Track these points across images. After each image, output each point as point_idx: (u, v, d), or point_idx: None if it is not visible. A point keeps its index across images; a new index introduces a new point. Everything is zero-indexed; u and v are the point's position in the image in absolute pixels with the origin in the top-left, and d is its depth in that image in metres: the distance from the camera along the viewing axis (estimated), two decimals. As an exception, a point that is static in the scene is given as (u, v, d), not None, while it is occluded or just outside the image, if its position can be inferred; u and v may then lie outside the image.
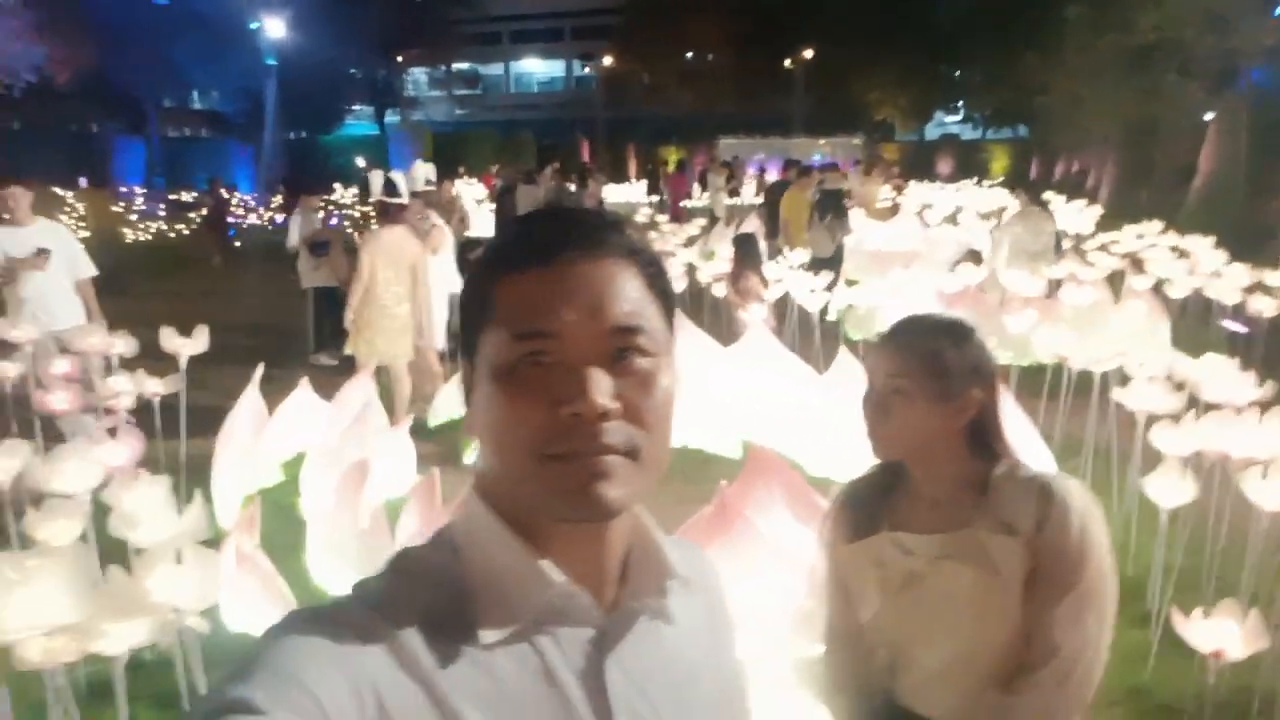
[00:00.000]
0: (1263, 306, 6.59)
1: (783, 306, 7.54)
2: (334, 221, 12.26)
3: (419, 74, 41.22)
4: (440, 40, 34.60)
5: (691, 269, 8.50)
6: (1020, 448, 1.47)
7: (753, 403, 5.53)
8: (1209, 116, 16.10)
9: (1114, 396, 4.06)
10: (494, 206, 13.05)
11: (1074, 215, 12.81)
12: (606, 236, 0.68)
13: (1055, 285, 7.06)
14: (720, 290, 7.81)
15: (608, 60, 39.04)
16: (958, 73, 35.44)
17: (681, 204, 19.05)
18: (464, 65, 43.63)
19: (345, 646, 0.60)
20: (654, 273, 0.70)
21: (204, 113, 34.17)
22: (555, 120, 39.58)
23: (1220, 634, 2.17)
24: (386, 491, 4.28)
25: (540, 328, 0.64)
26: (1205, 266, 7.93)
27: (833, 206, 9.12)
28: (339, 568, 3.84)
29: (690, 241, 10.10)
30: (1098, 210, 13.13)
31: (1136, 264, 8.28)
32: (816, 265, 8.58)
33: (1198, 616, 2.21)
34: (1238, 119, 12.96)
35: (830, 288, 7.51)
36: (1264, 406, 3.35)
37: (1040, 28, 22.31)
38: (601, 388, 0.63)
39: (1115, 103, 18.20)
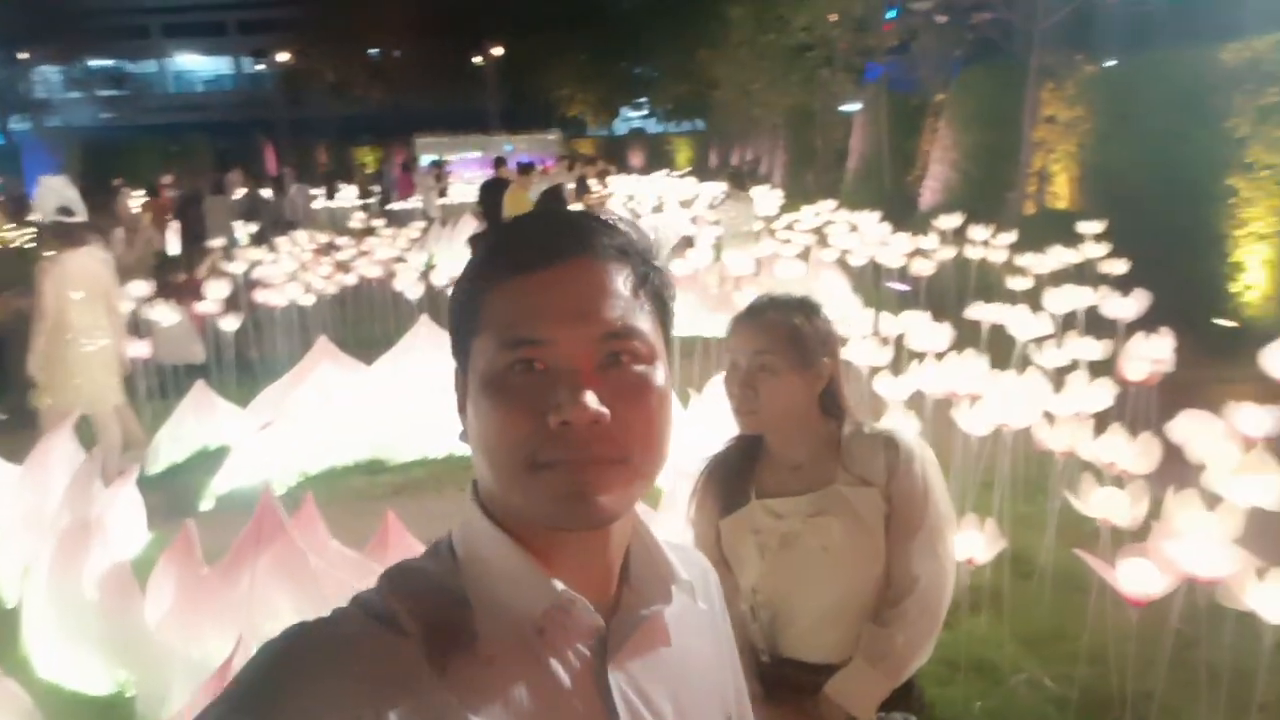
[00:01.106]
0: (921, 268, 7.82)
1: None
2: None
3: (50, 73, 35.30)
4: (73, 34, 29.96)
5: (428, 272, 8.28)
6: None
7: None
8: (849, 107, 18.62)
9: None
10: (178, 222, 11.64)
11: (763, 199, 14.22)
12: (597, 238, 0.67)
13: (759, 264, 7.81)
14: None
15: (284, 56, 36.23)
16: (638, 70, 37.59)
17: (388, 206, 18.34)
18: (108, 62, 38.10)
19: (344, 662, 0.59)
20: (648, 274, 0.68)
21: None
22: (228, 122, 36.00)
23: (968, 544, 2.60)
24: (119, 553, 3.74)
25: (529, 335, 0.63)
26: (872, 237, 9.22)
27: (556, 202, 9.32)
28: (73, 648, 3.31)
29: (411, 245, 9.80)
30: (779, 194, 14.68)
31: (821, 239, 9.42)
32: None
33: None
34: (879, 106, 15.17)
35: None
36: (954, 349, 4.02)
37: (709, 26, 24.40)
38: (591, 395, 0.62)
39: (777, 95, 20.47)
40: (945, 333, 4.24)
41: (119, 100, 38.56)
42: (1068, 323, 5.19)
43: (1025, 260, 7.15)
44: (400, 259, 8.72)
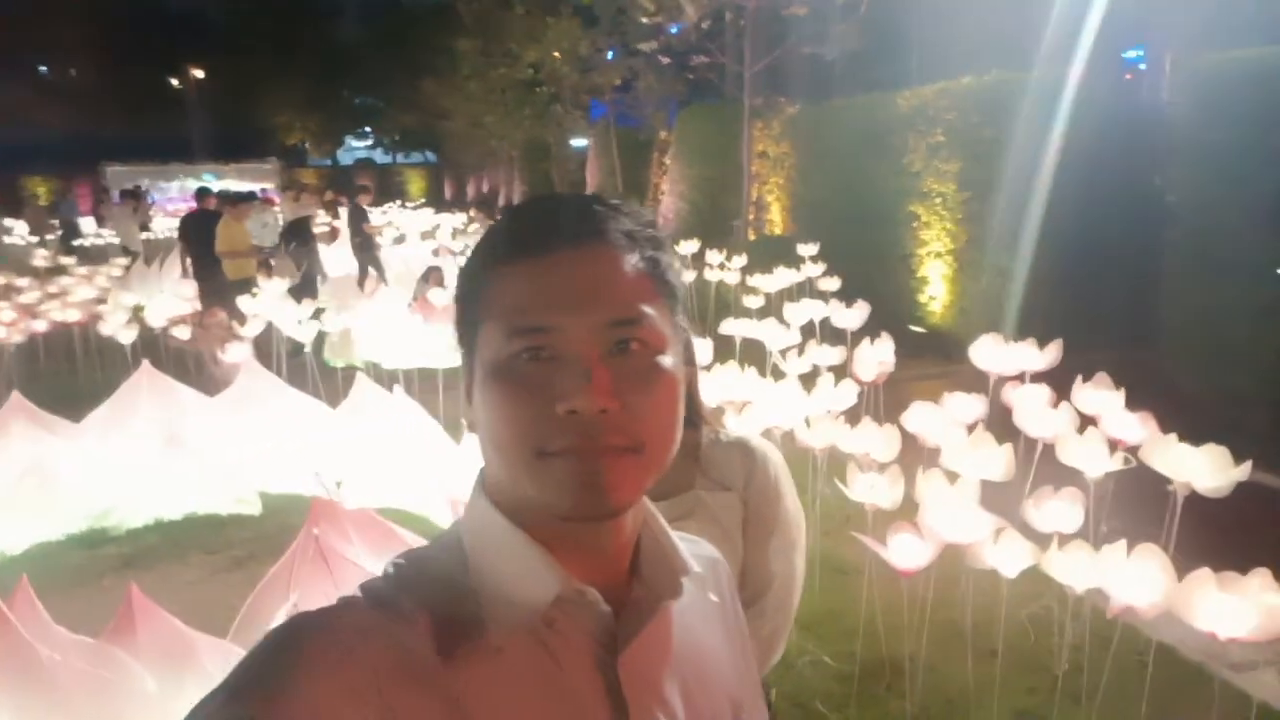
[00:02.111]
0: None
1: (268, 341, 7.00)
2: None
3: None
4: None
5: (139, 311, 7.33)
6: None
7: (261, 449, 5.07)
8: (580, 141, 19.34)
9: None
10: None
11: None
12: (603, 224, 0.65)
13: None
14: (182, 333, 6.89)
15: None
16: (361, 99, 36.29)
17: (74, 242, 16.06)
18: None
19: (349, 651, 0.58)
20: (656, 259, 0.67)
21: None
22: None
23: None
24: None
25: (535, 323, 0.62)
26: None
27: (298, 235, 8.77)
28: None
29: (113, 285, 8.65)
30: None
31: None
32: (295, 294, 8.17)
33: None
34: (609, 141, 15.88)
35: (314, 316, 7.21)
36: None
37: (435, 57, 24.17)
38: (600, 383, 0.61)
39: (511, 128, 20.74)
40: (707, 347, 4.52)
41: None
42: (806, 333, 5.76)
43: (756, 280, 7.82)
44: (101, 300, 7.64)
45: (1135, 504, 3.18)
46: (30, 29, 28.52)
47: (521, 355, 0.63)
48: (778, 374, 4.58)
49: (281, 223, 14.08)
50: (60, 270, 9.68)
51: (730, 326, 5.53)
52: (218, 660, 2.61)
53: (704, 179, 13.10)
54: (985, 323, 7.84)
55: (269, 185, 27.76)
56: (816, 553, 3.73)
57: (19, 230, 13.14)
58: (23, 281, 8.69)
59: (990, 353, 3.71)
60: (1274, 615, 1.93)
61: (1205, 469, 2.54)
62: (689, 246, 9.81)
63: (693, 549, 0.77)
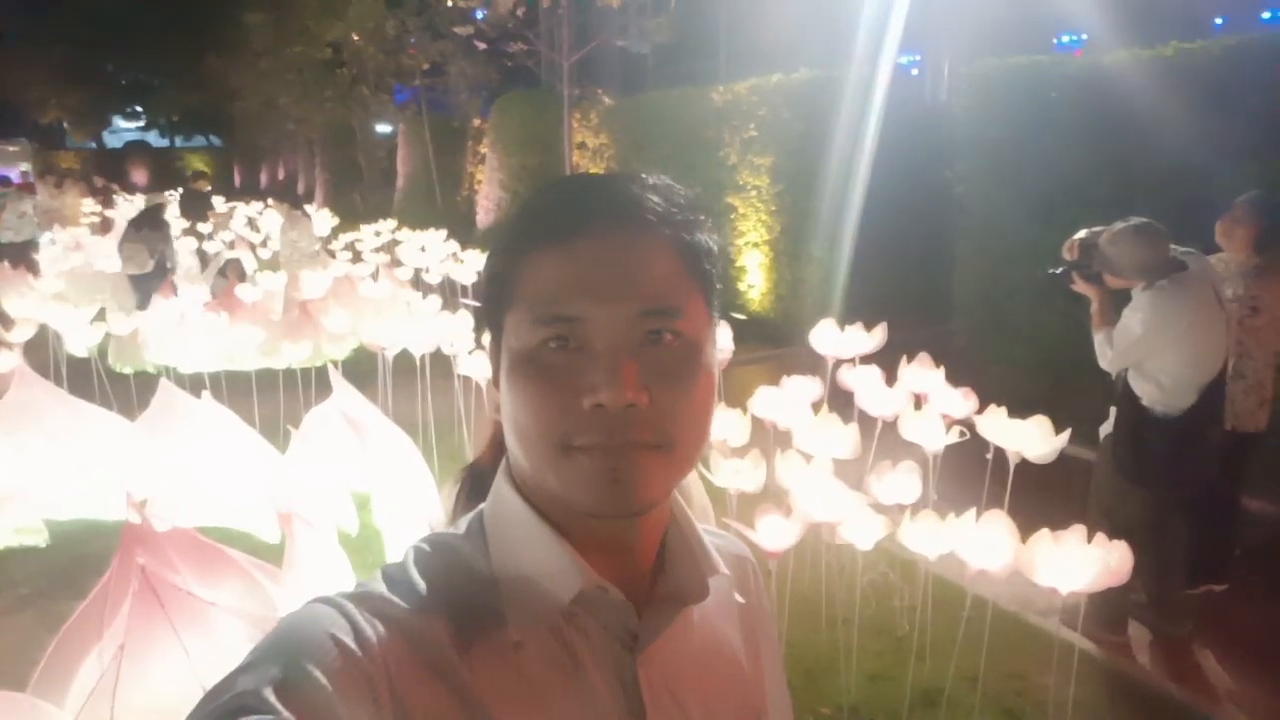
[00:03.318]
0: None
1: (43, 346, 6.17)
2: None
3: None
4: None
5: None
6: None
7: (49, 473, 4.45)
8: (386, 128, 18.51)
9: (461, 371, 4.58)
10: None
11: (317, 220, 13.42)
12: (637, 207, 0.62)
13: (336, 285, 7.37)
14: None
15: None
16: (128, 75, 32.84)
17: None
18: None
19: (363, 638, 0.56)
20: (692, 245, 0.64)
21: None
22: None
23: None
24: None
25: (562, 311, 0.60)
26: (442, 255, 9.29)
27: (150, 221, 7.93)
28: None
29: None
30: (328, 214, 13.99)
31: (394, 257, 9.24)
32: (144, 285, 7.44)
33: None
34: (419, 126, 15.28)
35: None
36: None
37: (220, 31, 22.22)
38: (628, 376, 0.58)
39: (310, 109, 19.45)
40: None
41: None
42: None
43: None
44: None
45: (956, 472, 3.46)
46: None
47: (549, 345, 0.60)
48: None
49: (37, 212, 12.45)
50: None
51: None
52: (18, 717, 2.27)
53: (524, 168, 12.93)
54: (801, 308, 8.31)
55: (26, 168, 24.51)
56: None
57: None
58: None
59: (826, 337, 3.91)
60: (1101, 569, 2.17)
61: (1034, 438, 2.81)
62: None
63: (721, 544, 0.76)
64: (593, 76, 12.22)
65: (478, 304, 6.32)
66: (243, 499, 4.29)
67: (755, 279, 9.18)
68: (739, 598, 0.77)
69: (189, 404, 4.52)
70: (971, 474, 3.42)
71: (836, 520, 2.52)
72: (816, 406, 3.51)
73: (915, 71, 11.48)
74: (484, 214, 13.72)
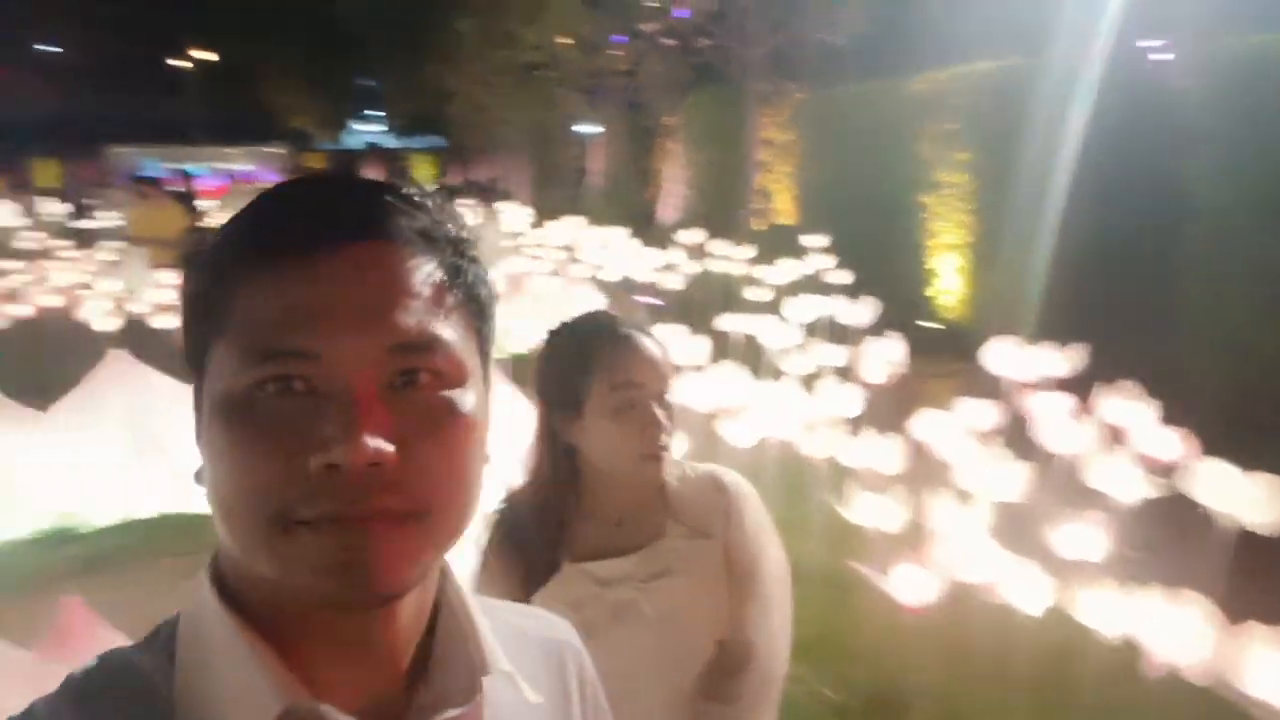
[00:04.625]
0: (671, 282, 8.02)
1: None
2: None
3: None
4: None
5: (122, 298, 7.10)
6: None
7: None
8: (587, 128, 19.00)
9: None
10: None
11: (511, 216, 14.05)
12: (390, 217, 0.51)
13: (512, 281, 7.60)
14: (165, 320, 6.67)
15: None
16: (366, 81, 36.01)
17: (77, 224, 15.84)
18: None
19: None
20: (460, 268, 0.53)
21: None
22: None
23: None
24: None
25: (287, 344, 0.48)
26: (622, 253, 9.36)
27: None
28: None
29: (101, 269, 8.42)
30: (529, 211, 14.59)
31: (571, 255, 9.41)
32: None
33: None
34: (613, 125, 15.57)
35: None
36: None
37: (440, 38, 23.83)
38: (372, 428, 0.47)
39: (512, 111, 20.40)
40: (704, 346, 4.26)
41: None
42: (810, 331, 5.49)
43: (761, 272, 7.55)
44: (86, 285, 7.42)
45: (1163, 525, 2.91)
46: (29, 5, 28.29)
47: (266, 387, 0.48)
48: (779, 375, 4.32)
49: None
50: (46, 254, 9.48)
51: (727, 322, 5.25)
52: None
53: (710, 165, 12.81)
54: (1002, 317, 7.56)
55: (270, 170, 27.51)
56: (815, 567, 3.48)
57: (5, 213, 12.91)
58: (9, 265, 8.48)
59: (1004, 355, 3.44)
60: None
61: (1259, 501, 2.27)
62: (694, 236, 9.54)
63: (531, 627, 0.64)
64: (785, 70, 11.85)
65: (657, 301, 6.31)
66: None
67: (950, 284, 8.49)
68: (532, 696, 0.59)
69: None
70: (1176, 537, 2.85)
71: (984, 579, 2.15)
72: (997, 438, 3.08)
73: (1152, 62, 10.18)
74: (667, 211, 13.74)
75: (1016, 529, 2.40)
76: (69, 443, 4.62)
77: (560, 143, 19.67)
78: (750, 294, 7.12)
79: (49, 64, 30.96)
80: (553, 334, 1.37)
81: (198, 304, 0.52)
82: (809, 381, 3.97)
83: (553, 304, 6.84)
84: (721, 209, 11.92)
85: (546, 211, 15.86)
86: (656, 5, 11.47)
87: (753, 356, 5.08)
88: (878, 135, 9.30)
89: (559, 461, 1.34)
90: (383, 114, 38.94)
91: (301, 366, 0.48)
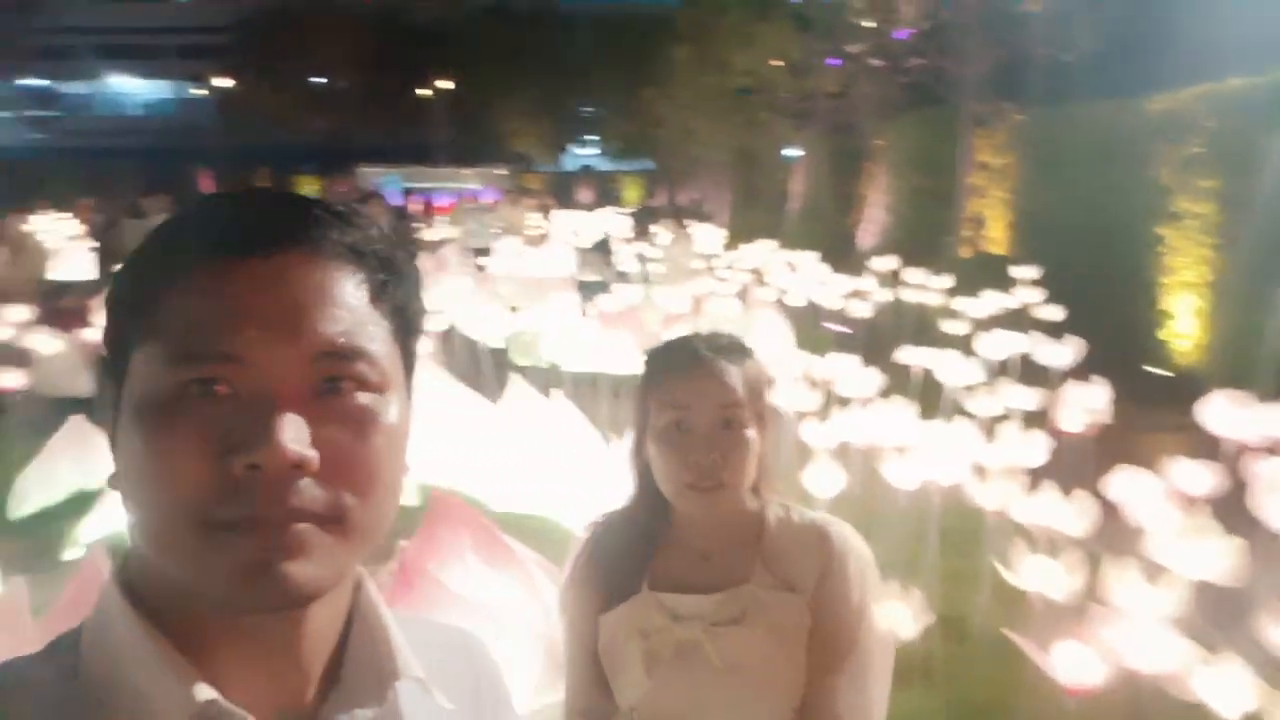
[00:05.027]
0: (859, 310, 7.71)
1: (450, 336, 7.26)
2: None
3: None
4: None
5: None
6: None
7: (425, 441, 5.18)
8: (793, 151, 18.84)
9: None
10: (97, 244, 11.22)
11: (706, 238, 14.18)
12: (320, 228, 0.52)
13: (695, 301, 7.63)
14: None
15: (223, 81, 35.45)
16: (587, 107, 37.89)
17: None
18: (36, 81, 36.93)
19: None
20: (385, 281, 0.55)
21: None
22: (163, 147, 35.03)
23: (891, 616, 2.33)
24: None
25: (214, 347, 0.49)
26: (810, 277, 9.13)
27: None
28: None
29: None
30: (723, 232, 14.65)
31: (759, 278, 9.29)
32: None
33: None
34: (819, 150, 15.31)
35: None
36: (883, 395, 3.81)
37: (655, 66, 24.65)
38: (295, 431, 0.48)
39: (719, 135, 20.64)
40: (873, 378, 4.03)
41: (48, 121, 37.41)
42: (1002, 369, 5.06)
43: (960, 304, 7.08)
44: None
45: None
46: (308, 44, 32.29)
47: (189, 389, 0.49)
48: (957, 415, 3.99)
49: (495, 223, 14.84)
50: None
51: (907, 355, 4.93)
52: None
53: (915, 191, 12.24)
54: (1242, 367, 6.60)
55: (504, 188, 29.54)
56: (984, 628, 3.16)
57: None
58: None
59: (1228, 410, 2.96)
60: None
61: None
62: (885, 263, 9.13)
63: (429, 638, 0.63)
64: (1003, 90, 11.10)
65: (843, 329, 6.09)
66: (562, 489, 4.55)
67: (1185, 327, 7.53)
68: (444, 702, 0.59)
69: (536, 400, 4.95)
70: None
71: (1170, 668, 1.83)
72: (1206, 506, 2.65)
73: None
74: (867, 237, 13.26)
75: (1218, 615, 2.03)
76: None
77: (763, 166, 19.63)
78: (946, 326, 6.69)
79: (317, 93, 35.15)
80: (647, 351, 1.33)
81: (122, 307, 0.53)
82: (991, 425, 3.63)
83: (731, 327, 6.78)
84: (924, 235, 11.33)
85: (742, 234, 15.85)
86: (871, 26, 11.14)
87: (934, 393, 4.75)
88: (1108, 159, 8.46)
89: (645, 484, 1.29)
90: (598, 138, 40.84)
91: (226, 370, 0.49)
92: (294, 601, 0.50)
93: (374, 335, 0.53)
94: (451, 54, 33.13)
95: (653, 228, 15.87)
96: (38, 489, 5.00)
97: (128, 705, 0.50)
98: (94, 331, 6.26)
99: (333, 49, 32.85)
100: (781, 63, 16.15)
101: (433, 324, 6.71)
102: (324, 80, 35.37)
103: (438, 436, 5.16)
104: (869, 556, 1.24)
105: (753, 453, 1.21)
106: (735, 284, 8.79)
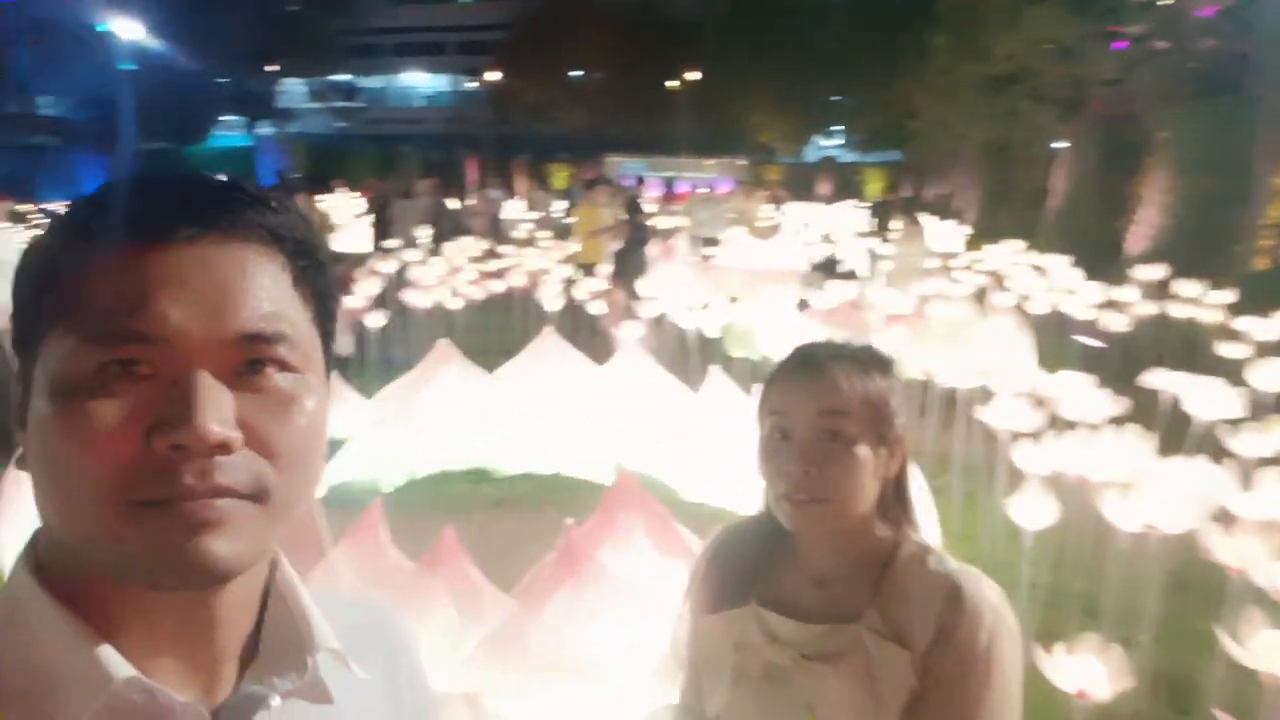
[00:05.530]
0: (1114, 322, 6.88)
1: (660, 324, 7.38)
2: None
3: (296, 85, 39.68)
4: (317, 51, 33.43)
5: (569, 285, 8.28)
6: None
7: (624, 425, 5.32)
8: (1059, 144, 17.13)
9: (977, 414, 4.04)
10: (373, 220, 12.66)
11: (945, 235, 13.31)
12: (241, 212, 0.53)
13: (923, 302, 7.18)
14: (598, 308, 7.60)
15: (493, 75, 38.51)
16: (836, 98, 36.90)
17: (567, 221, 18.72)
18: (342, 77, 42.27)
19: None
20: (306, 266, 0.56)
21: (49, 119, 31.61)
22: (439, 135, 38.78)
23: (1085, 672, 2.06)
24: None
25: (137, 326, 0.49)
26: (1061, 283, 8.26)
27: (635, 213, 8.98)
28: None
29: (572, 258, 9.88)
30: (966, 230, 13.68)
31: (999, 281, 8.56)
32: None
33: (1061, 653, 2.09)
34: (1088, 143, 13.80)
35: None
36: (1119, 422, 3.36)
37: (911, 54, 23.45)
38: (219, 409, 0.49)
39: (975, 127, 19.20)
40: (1104, 401, 3.57)
41: (350, 112, 42.67)
42: (1278, 406, 4.28)
43: (1244, 324, 6.10)
44: (545, 270, 8.76)
45: None
46: (571, 40, 34.19)
47: (109, 369, 0.49)
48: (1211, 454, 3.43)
49: (725, 213, 14.87)
50: (530, 241, 11.40)
51: (1156, 379, 4.30)
52: (499, 613, 2.72)
53: (1200, 191, 10.67)
54: None
55: (740, 178, 29.63)
56: (1219, 700, 2.71)
57: (515, 208, 15.89)
58: (505, 249, 10.37)
59: None
60: None
61: None
62: (1153, 272, 8.05)
63: (357, 618, 0.66)
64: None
65: (1096, 343, 5.51)
66: (753, 485, 4.49)
67: None
68: (361, 673, 0.60)
69: (734, 392, 4.92)
70: None
71: None
72: None
73: None
74: (1136, 242, 11.77)
75: None
76: (502, 399, 5.50)
77: (1021, 160, 18.07)
78: (1222, 349, 5.80)
79: (573, 86, 37.17)
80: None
81: (34, 286, 0.53)
82: (1252, 468, 3.08)
83: (959, 333, 6.31)
84: (1208, 243, 9.85)
85: (989, 233, 14.68)
86: (1166, 3, 9.82)
87: (1184, 425, 4.12)
88: None
89: (765, 495, 1.23)
90: (839, 129, 39.74)
91: (148, 352, 0.50)
92: (218, 577, 0.51)
93: (295, 319, 0.54)
94: (700, 47, 33.64)
95: (891, 222, 15.17)
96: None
97: (44, 687, 0.50)
98: (355, 299, 7.06)
99: (590, 44, 34.56)
100: (1051, 46, 14.68)
101: (645, 310, 6.86)
102: (580, 74, 37.31)
103: (637, 420, 5.31)
104: (1009, 629, 1.07)
105: (860, 472, 1.11)
106: (970, 286, 8.15)
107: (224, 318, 0.51)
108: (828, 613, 1.13)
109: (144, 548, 0.49)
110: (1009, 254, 10.67)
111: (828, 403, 1.11)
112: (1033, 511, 3.11)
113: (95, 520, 0.49)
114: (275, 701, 0.56)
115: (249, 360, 0.52)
